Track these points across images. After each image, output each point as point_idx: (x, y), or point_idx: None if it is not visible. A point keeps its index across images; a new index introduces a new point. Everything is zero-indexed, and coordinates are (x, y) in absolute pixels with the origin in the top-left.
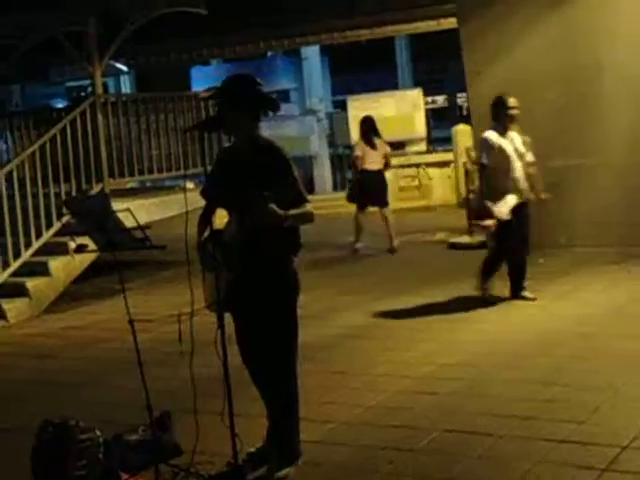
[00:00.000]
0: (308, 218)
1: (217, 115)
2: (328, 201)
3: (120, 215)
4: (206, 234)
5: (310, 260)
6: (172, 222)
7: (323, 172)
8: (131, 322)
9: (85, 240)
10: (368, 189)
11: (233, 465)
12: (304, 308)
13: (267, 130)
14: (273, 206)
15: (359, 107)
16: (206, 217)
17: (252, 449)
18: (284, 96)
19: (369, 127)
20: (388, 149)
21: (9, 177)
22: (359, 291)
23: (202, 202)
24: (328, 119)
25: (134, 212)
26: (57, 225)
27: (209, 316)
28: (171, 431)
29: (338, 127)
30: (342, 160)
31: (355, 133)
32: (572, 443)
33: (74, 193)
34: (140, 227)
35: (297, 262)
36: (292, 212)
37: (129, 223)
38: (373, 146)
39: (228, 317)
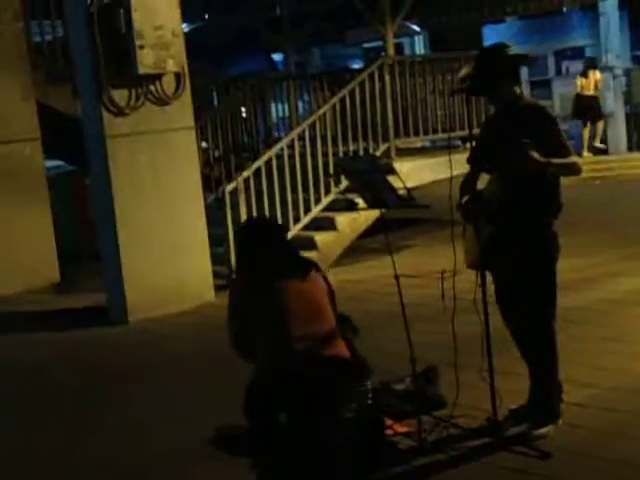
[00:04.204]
0: (573, 169)
1: (479, 80)
2: (621, 162)
3: (392, 176)
4: (467, 197)
5: (598, 222)
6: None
7: (618, 131)
8: (397, 277)
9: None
10: None
11: (493, 420)
12: (582, 272)
13: (560, 87)
14: (534, 153)
15: None
16: (469, 182)
17: (513, 406)
18: (579, 53)
19: None
20: None
21: (302, 136)
22: None
23: None
24: (625, 76)
25: (414, 172)
26: (344, 183)
27: (473, 274)
28: (436, 384)
29: (636, 84)
30: (638, 119)
31: None
32: None
33: (361, 153)
34: (407, 188)
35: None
36: (555, 161)
37: (410, 183)
38: None
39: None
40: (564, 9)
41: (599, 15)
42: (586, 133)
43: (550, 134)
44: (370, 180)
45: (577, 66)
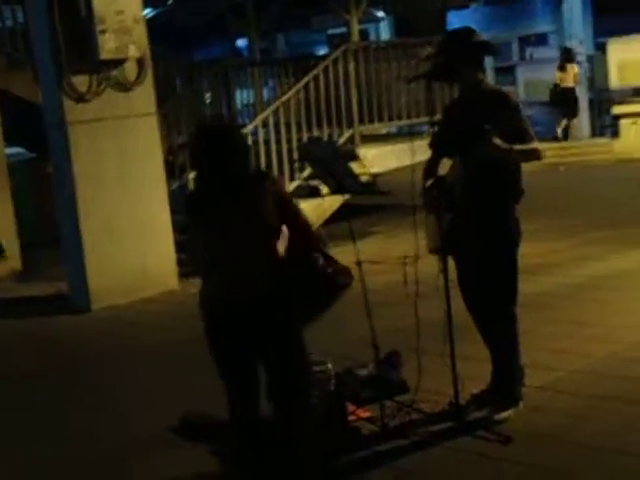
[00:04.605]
0: (535, 155)
1: (442, 65)
2: (585, 147)
3: (355, 161)
4: (430, 181)
5: (563, 207)
6: (405, 169)
7: (581, 117)
8: (359, 263)
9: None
10: None
11: (455, 404)
12: (547, 257)
13: (524, 73)
14: (496, 139)
15: (620, 49)
16: (431, 167)
17: (475, 391)
18: (542, 39)
19: None
20: None
21: (267, 122)
22: (607, 241)
23: None
24: (588, 62)
25: (379, 158)
26: (308, 169)
27: (436, 260)
28: (399, 369)
29: (599, 70)
30: (602, 105)
31: (615, 76)
32: None
33: (325, 139)
34: (369, 174)
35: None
36: (518, 147)
37: (376, 169)
38: None
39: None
40: None
41: (562, 1)
42: (562, 123)
43: (512, 120)
44: (332, 166)
45: (541, 52)
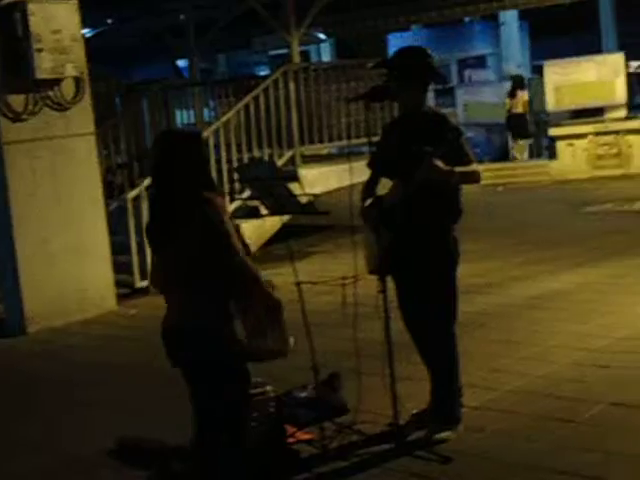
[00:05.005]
0: (474, 177)
1: (385, 85)
2: (523, 169)
3: (295, 182)
4: (369, 201)
5: (502, 227)
6: (344, 189)
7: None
8: (298, 284)
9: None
10: None
11: (395, 425)
12: (485, 276)
13: (463, 96)
14: (439, 162)
15: (556, 72)
16: (370, 186)
17: (415, 411)
18: (481, 62)
19: None
20: None
21: (207, 142)
22: (544, 261)
23: None
24: (526, 85)
25: (319, 179)
26: (248, 190)
27: (377, 280)
28: (339, 391)
29: (536, 93)
30: (539, 127)
31: (551, 99)
32: None
33: (266, 159)
34: (308, 195)
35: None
36: (458, 169)
37: (316, 189)
38: None
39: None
40: (466, 19)
41: (500, 25)
42: (519, 148)
43: (453, 143)
44: (271, 187)
45: (479, 74)
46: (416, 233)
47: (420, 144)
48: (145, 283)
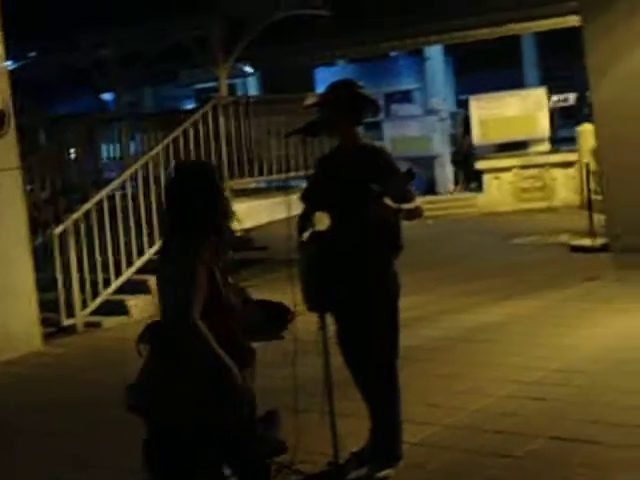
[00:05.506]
0: (418, 212)
1: (319, 119)
2: (450, 202)
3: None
4: (307, 234)
5: (433, 260)
6: (279, 223)
7: (445, 172)
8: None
9: None
10: None
11: (334, 464)
12: (418, 310)
13: (390, 130)
14: (387, 201)
15: (482, 107)
16: (304, 220)
17: (355, 449)
18: (407, 96)
19: None
20: None
21: (135, 176)
22: (475, 293)
23: None
24: (451, 119)
25: (250, 213)
26: None
27: (314, 315)
28: (277, 429)
29: (461, 127)
30: (467, 160)
31: (477, 133)
32: None
33: None
34: (244, 230)
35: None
36: (405, 206)
37: (247, 223)
38: None
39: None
40: (391, 54)
41: (425, 60)
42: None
43: (397, 180)
44: None
45: (405, 109)
46: (357, 268)
47: (363, 182)
48: (72, 321)
